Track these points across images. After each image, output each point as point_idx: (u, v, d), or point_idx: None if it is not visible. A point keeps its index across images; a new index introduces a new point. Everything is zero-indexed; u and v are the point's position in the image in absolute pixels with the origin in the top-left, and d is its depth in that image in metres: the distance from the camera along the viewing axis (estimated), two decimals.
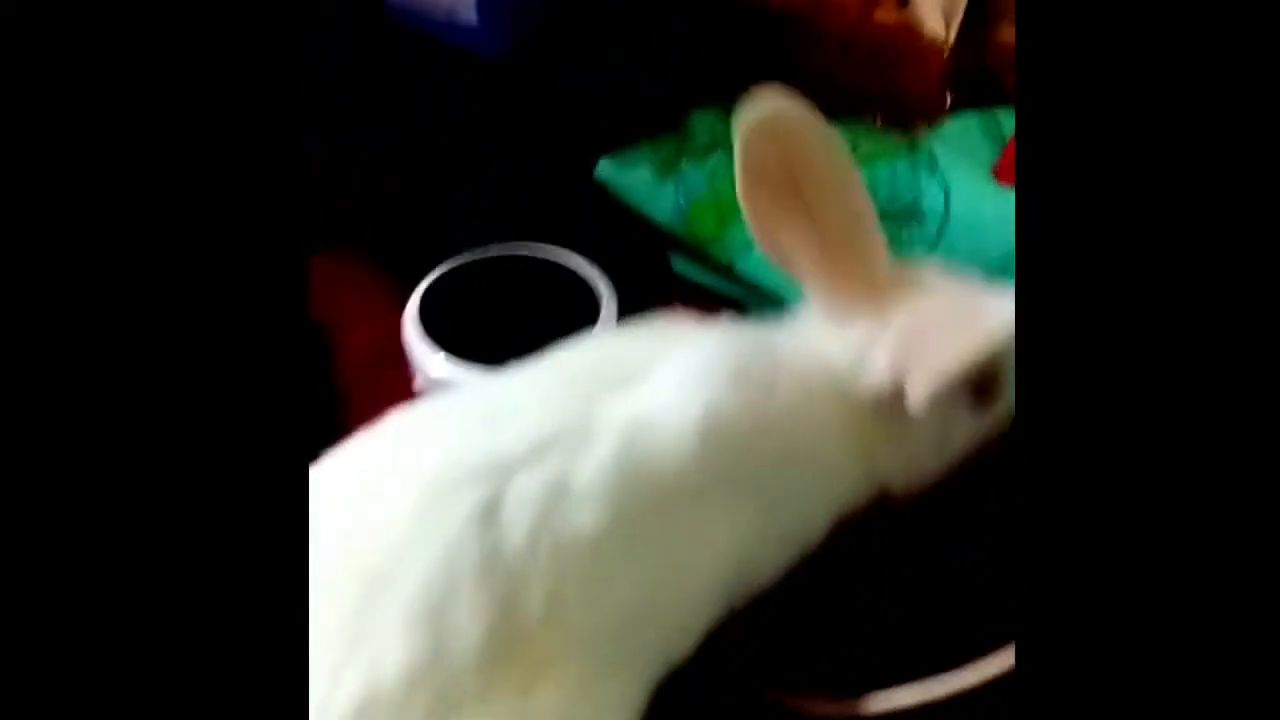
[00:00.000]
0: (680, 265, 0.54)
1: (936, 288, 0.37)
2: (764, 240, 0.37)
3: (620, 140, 0.54)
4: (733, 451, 0.34)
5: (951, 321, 0.35)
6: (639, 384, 0.35)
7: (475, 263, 0.49)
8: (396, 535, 0.31)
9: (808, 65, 0.53)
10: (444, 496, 0.31)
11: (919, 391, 0.33)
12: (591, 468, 0.32)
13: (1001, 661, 0.36)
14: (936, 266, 0.39)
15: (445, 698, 0.30)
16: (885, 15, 0.54)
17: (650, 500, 0.33)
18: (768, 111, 0.34)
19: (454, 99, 0.55)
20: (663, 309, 0.42)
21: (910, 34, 0.53)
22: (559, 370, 0.37)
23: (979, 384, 0.37)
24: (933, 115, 0.54)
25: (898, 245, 0.52)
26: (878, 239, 0.36)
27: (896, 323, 0.35)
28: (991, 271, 0.47)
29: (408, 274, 0.48)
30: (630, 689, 0.34)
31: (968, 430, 0.38)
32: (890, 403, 0.35)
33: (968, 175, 0.51)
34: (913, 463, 0.38)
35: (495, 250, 0.49)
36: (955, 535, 0.39)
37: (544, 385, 0.36)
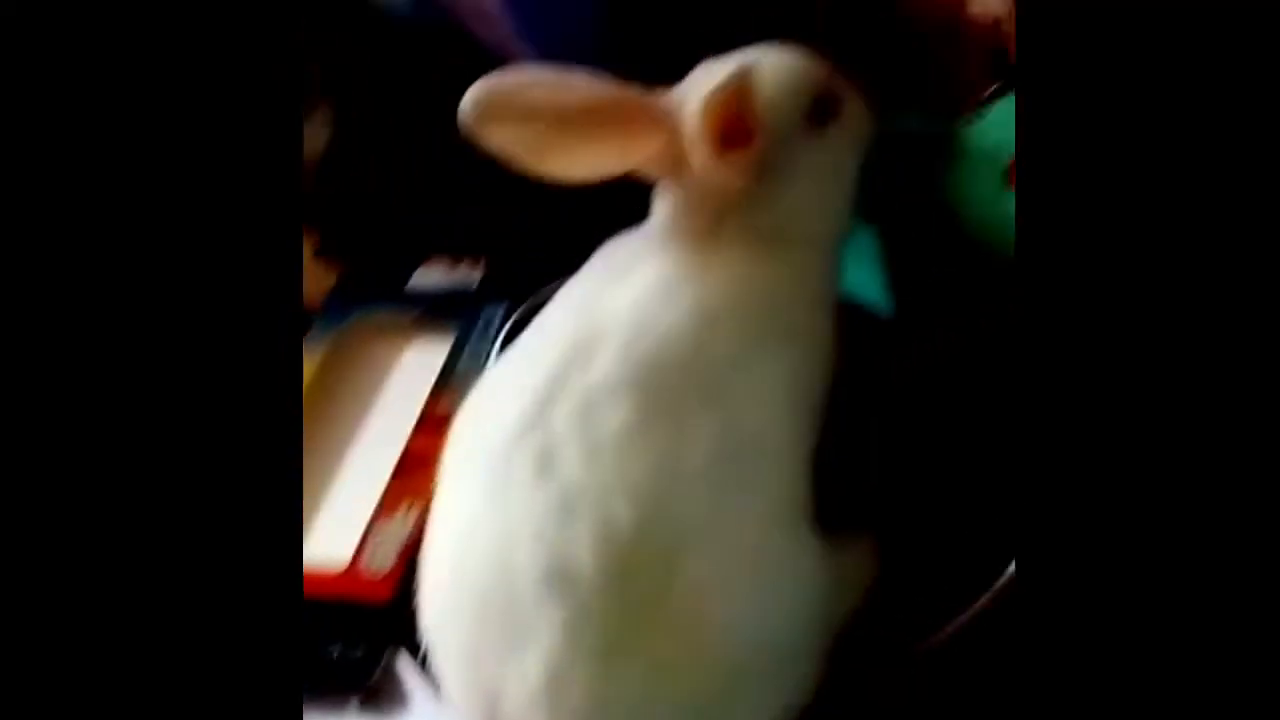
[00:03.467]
0: None
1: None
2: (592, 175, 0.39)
3: None
4: (727, 325, 0.37)
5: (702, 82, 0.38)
6: (614, 305, 0.37)
7: None
8: (486, 530, 0.34)
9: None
10: (503, 469, 0.34)
11: (695, 144, 0.37)
12: (602, 374, 0.35)
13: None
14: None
15: (603, 632, 0.32)
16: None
17: (669, 377, 0.35)
18: (473, 103, 0.36)
19: None
20: None
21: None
22: (560, 303, 0.40)
23: (812, 110, 0.40)
24: (974, 104, 0.50)
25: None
26: (625, 101, 0.38)
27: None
28: None
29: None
30: (765, 499, 0.36)
31: (840, 146, 0.41)
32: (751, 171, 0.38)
33: (978, 176, 0.47)
34: (821, 205, 0.41)
35: None
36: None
37: (551, 321, 0.39)
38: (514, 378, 0.37)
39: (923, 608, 0.39)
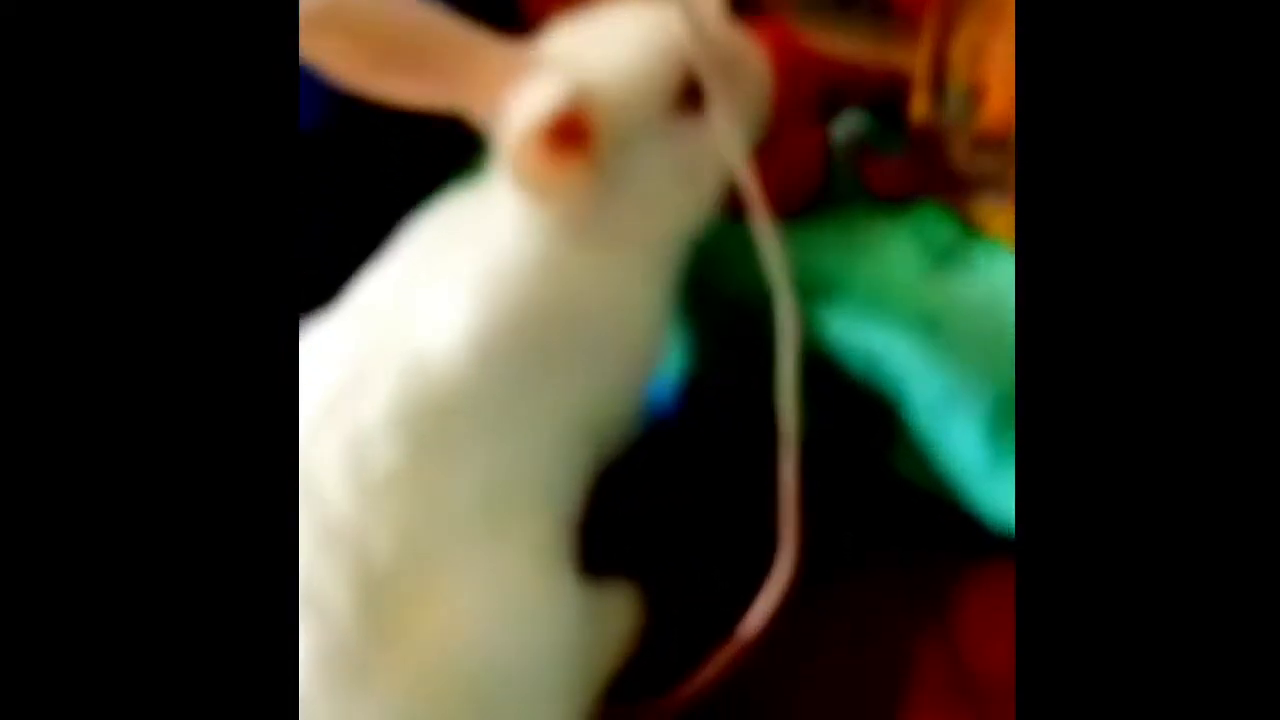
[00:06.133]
0: None
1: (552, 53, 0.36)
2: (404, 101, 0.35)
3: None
4: (517, 353, 0.35)
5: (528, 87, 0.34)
6: (407, 315, 0.35)
7: None
8: None
9: None
10: None
11: (518, 148, 0.34)
12: (373, 409, 0.33)
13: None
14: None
15: (350, 662, 0.31)
16: None
17: (443, 418, 0.34)
18: (307, 11, 0.32)
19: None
20: None
21: None
22: (336, 324, 0.37)
23: (679, 97, 0.36)
24: None
25: None
26: (466, 42, 0.35)
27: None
28: None
29: None
30: (527, 540, 0.35)
31: (700, 137, 0.37)
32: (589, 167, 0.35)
33: None
34: (667, 205, 0.37)
35: None
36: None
37: (322, 347, 0.36)
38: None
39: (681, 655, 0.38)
